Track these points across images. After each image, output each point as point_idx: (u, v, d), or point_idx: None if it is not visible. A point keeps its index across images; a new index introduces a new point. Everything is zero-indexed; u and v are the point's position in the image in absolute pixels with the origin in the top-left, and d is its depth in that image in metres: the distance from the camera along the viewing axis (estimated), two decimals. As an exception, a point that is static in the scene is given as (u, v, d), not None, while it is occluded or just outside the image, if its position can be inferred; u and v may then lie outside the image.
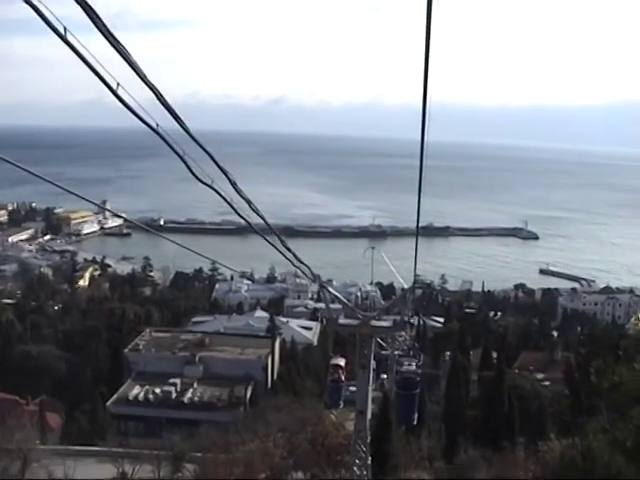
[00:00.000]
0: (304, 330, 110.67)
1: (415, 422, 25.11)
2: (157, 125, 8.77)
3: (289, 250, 17.43)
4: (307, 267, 19.55)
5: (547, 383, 74.89)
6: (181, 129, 9.19)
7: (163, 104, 8.54)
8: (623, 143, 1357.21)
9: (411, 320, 23.12)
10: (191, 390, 73.08)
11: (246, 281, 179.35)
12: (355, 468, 23.50)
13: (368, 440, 23.30)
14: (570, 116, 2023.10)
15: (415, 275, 21.37)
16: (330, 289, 22.06)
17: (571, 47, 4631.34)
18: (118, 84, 7.76)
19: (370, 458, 23.66)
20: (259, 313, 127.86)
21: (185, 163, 10.03)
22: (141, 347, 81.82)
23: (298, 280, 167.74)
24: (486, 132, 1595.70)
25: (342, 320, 22.57)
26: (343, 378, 24.92)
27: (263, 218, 14.25)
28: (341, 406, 25.95)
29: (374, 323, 21.85)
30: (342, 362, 25.19)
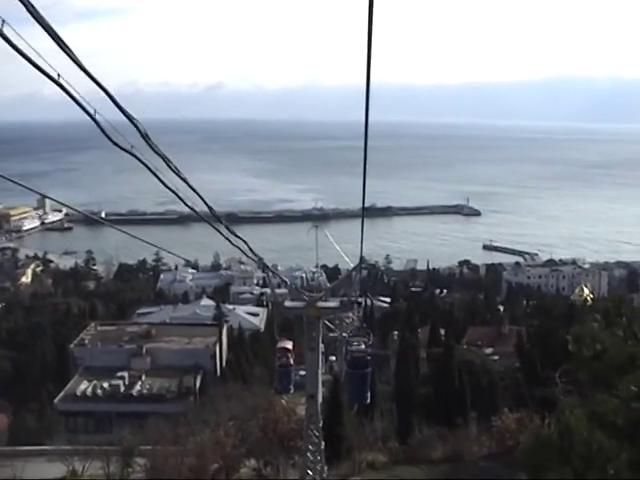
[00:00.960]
0: (251, 316, 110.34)
1: (368, 400, 24.75)
2: (95, 112, 8.52)
3: (235, 235, 16.97)
4: (252, 252, 19.12)
5: (496, 357, 75.22)
6: (121, 118, 9.06)
7: (105, 91, 8.38)
8: (558, 117, 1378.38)
9: (358, 299, 22.67)
10: (139, 383, 72.18)
11: (191, 270, 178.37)
12: (308, 454, 23.09)
13: (320, 424, 22.90)
14: (506, 92, 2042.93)
15: (361, 255, 20.94)
16: (275, 272, 21.59)
17: (504, 24, 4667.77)
18: (59, 75, 7.52)
19: (323, 443, 23.27)
20: (205, 301, 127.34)
21: (132, 154, 9.86)
22: (87, 342, 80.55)
23: (243, 267, 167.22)
24: (424, 111, 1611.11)
25: (288, 303, 22.11)
26: (292, 362, 24.35)
27: (208, 205, 13.92)
28: (291, 391, 25.39)
29: (321, 304, 21.43)
30: (289, 345, 24.60)
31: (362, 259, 20.77)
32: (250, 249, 18.53)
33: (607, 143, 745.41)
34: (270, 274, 21.72)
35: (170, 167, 10.96)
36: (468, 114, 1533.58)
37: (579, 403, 15.58)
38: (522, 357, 42.01)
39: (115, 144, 9.41)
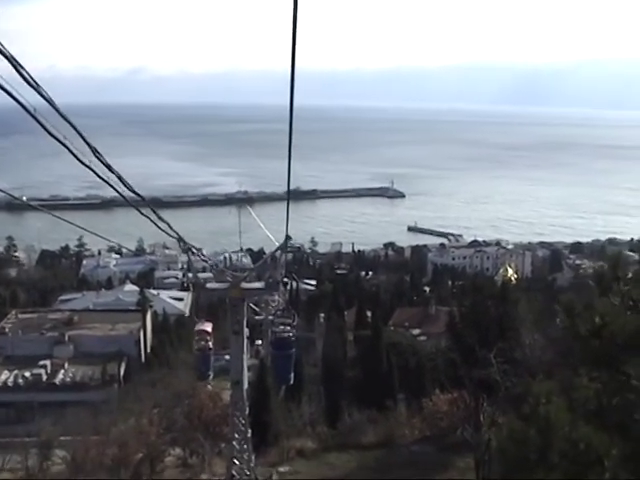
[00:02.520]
0: (175, 301, 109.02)
1: (292, 381, 24.07)
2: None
3: (159, 217, 16.14)
4: (176, 232, 18.28)
5: (424, 338, 75.37)
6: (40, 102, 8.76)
7: (22, 75, 8.10)
8: (479, 101, 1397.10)
9: (284, 280, 21.94)
10: (62, 371, 70.82)
11: (114, 255, 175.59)
12: (235, 442, 22.27)
13: (246, 411, 22.08)
14: (429, 77, 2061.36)
15: (287, 234, 20.17)
16: (196, 251, 20.64)
17: (426, 10, 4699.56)
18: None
19: (250, 430, 22.49)
20: (129, 287, 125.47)
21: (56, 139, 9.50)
22: (7, 330, 78.59)
23: (167, 251, 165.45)
24: (344, 95, 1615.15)
25: (211, 284, 21.29)
26: (211, 345, 23.34)
27: (133, 190, 13.47)
28: (211, 377, 24.45)
29: (245, 285, 20.64)
30: (209, 327, 23.57)
31: (288, 237, 19.99)
32: (172, 230, 17.68)
33: (525, 126, 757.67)
34: (191, 255, 20.75)
35: (93, 152, 10.67)
36: (389, 98, 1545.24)
37: (553, 388, 13.45)
38: (454, 337, 41.64)
39: (49, 133, 9.13)
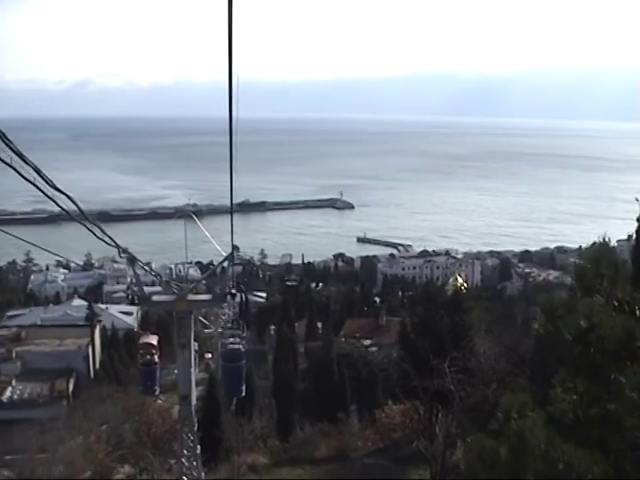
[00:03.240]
0: (124, 315, 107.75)
1: (243, 394, 23.57)
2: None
3: (103, 231, 15.72)
4: (119, 247, 17.81)
5: (375, 349, 75.20)
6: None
7: None
8: (428, 112, 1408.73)
9: (232, 290, 21.49)
10: (10, 388, 69.29)
11: (62, 270, 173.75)
12: (183, 459, 21.76)
13: (195, 427, 21.59)
14: (378, 87, 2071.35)
15: (233, 244, 19.79)
16: (139, 261, 20.13)
17: (372, 20, 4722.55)
18: None
19: (199, 446, 21.99)
20: (77, 302, 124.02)
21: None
22: (-48, 348, 77.10)
23: (116, 265, 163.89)
24: (294, 107, 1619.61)
25: (157, 297, 20.78)
26: (157, 359, 22.73)
27: (76, 204, 12.82)
28: (157, 392, 23.78)
29: (192, 297, 20.18)
30: (154, 340, 22.98)
31: (235, 247, 19.58)
32: (114, 242, 17.22)
33: (473, 136, 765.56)
34: (135, 266, 20.24)
35: (36, 171, 10.32)
36: (340, 109, 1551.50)
37: (527, 400, 11.68)
38: (406, 347, 41.35)
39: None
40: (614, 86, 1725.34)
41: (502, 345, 35.83)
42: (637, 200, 29.48)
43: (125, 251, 18.71)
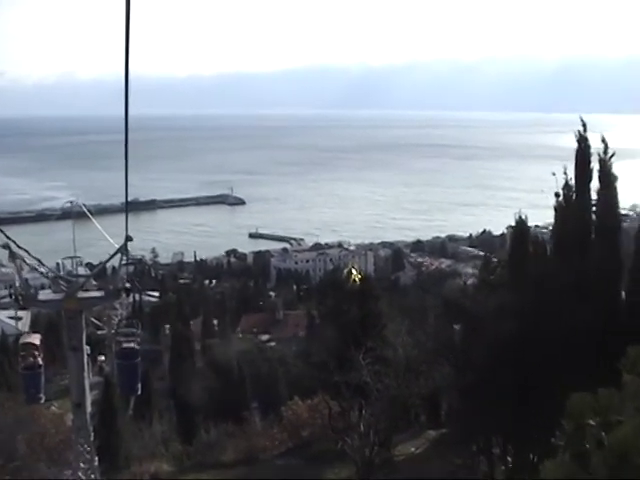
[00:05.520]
0: (14, 320, 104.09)
1: (139, 392, 22.01)
2: None
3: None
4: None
5: (273, 343, 74.42)
6: None
7: None
8: (315, 106, 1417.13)
9: (126, 285, 19.80)
10: None
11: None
12: (80, 472, 19.97)
13: (91, 436, 19.82)
14: (263, 82, 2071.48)
15: (127, 236, 18.14)
16: (25, 259, 18.27)
17: (255, 14, 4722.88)
18: None
19: (96, 457, 20.23)
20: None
21: None
22: None
23: (4, 270, 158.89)
24: (180, 103, 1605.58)
25: (43, 296, 18.95)
26: (41, 361, 20.67)
27: None
28: (42, 400, 21.72)
29: (82, 295, 18.41)
30: (36, 339, 20.94)
31: (128, 237, 17.94)
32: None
33: (360, 129, 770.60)
34: (18, 263, 18.35)
35: None
36: (226, 105, 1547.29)
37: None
38: (314, 339, 40.23)
39: None
40: (494, 77, 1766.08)
41: (416, 333, 35.03)
42: (554, 174, 28.82)
43: (5, 246, 16.95)
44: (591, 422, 7.50)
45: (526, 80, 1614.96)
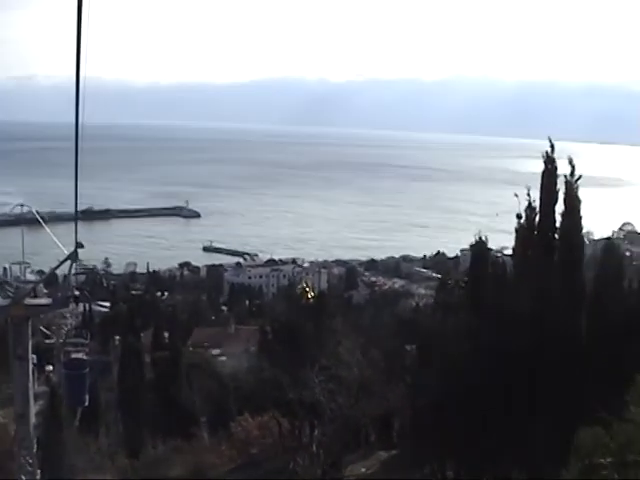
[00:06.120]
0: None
1: (86, 403, 21.56)
2: None
3: None
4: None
5: (224, 358, 73.99)
6: None
7: None
8: (268, 120, 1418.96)
9: (75, 293, 19.34)
10: None
11: None
12: (22, 486, 19.41)
13: (34, 448, 19.29)
14: (220, 94, 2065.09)
15: (77, 242, 17.76)
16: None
17: (214, 24, 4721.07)
18: None
19: (39, 470, 19.70)
20: None
21: None
22: None
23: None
24: (139, 112, 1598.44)
25: (-15, 303, 18.44)
26: None
27: None
28: None
29: (29, 302, 17.95)
30: None
31: (79, 244, 17.55)
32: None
33: (317, 146, 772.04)
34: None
35: None
36: (183, 116, 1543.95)
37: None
38: (266, 355, 39.77)
39: None
40: (454, 98, 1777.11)
41: (371, 352, 34.70)
42: (516, 196, 28.81)
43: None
44: (602, 461, 7.17)
45: (486, 103, 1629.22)
